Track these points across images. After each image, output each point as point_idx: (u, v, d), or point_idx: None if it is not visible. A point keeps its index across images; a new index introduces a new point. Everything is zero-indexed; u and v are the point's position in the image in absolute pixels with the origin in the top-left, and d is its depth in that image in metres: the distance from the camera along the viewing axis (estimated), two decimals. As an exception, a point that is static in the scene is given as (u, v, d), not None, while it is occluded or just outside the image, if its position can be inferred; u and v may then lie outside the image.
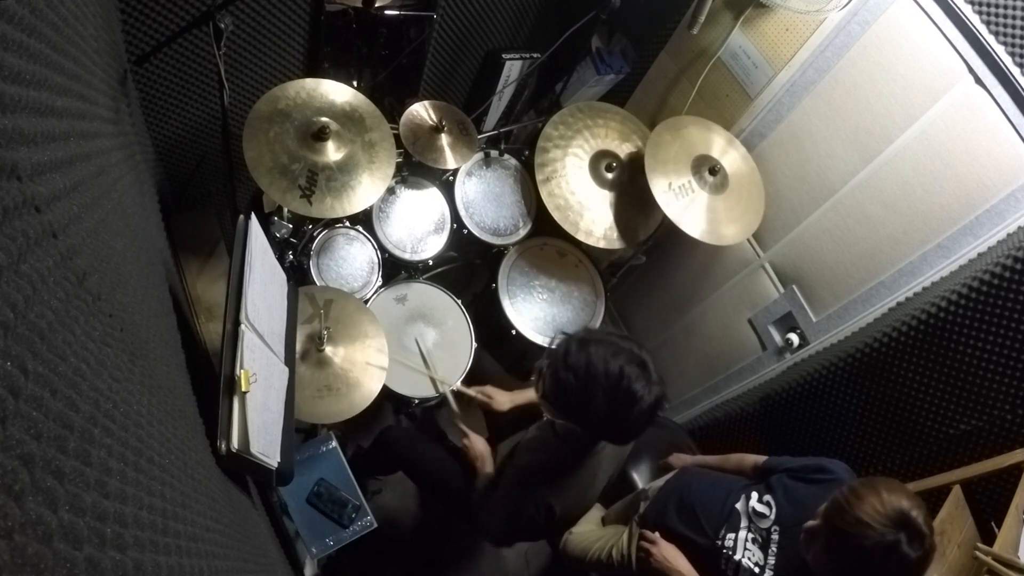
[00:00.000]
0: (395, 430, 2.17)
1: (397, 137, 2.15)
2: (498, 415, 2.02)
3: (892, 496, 1.27)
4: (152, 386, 0.84)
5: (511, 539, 2.02)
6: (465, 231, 2.42)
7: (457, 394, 2.13)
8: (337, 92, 1.98)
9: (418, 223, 2.38)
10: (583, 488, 1.72)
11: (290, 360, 1.60)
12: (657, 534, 1.69)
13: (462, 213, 2.42)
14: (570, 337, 1.53)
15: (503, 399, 2.02)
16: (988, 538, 1.59)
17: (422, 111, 2.30)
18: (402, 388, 2.13)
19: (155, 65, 1.87)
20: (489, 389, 2.05)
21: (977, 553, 1.49)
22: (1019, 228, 1.70)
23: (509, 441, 1.95)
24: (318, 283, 2.19)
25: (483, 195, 2.50)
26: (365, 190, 1.93)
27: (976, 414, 1.73)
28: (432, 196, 2.43)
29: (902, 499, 1.27)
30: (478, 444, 1.90)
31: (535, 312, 2.44)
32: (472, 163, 2.49)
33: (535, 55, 2.64)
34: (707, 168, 2.23)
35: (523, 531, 1.79)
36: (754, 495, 1.63)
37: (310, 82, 1.95)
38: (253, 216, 1.50)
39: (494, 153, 2.54)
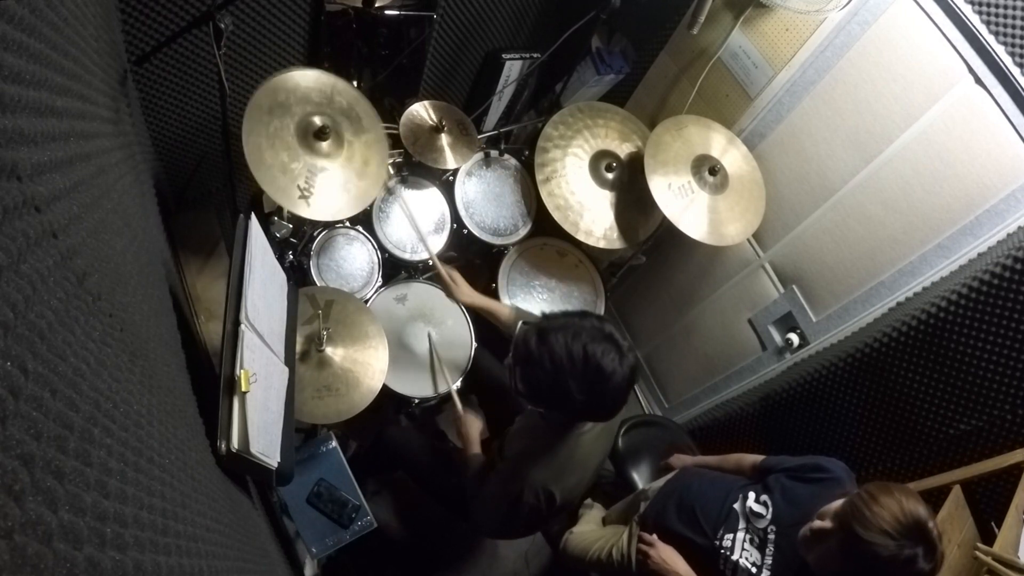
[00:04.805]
0: (395, 430, 2.17)
1: (397, 137, 2.15)
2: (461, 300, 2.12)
3: (910, 505, 1.26)
4: (152, 386, 0.84)
5: (512, 532, 2.01)
6: (465, 231, 2.42)
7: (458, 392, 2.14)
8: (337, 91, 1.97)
9: (418, 223, 2.38)
10: (580, 469, 1.70)
11: (290, 360, 1.60)
12: (655, 536, 1.69)
13: (462, 213, 2.42)
14: (527, 331, 1.51)
15: (466, 290, 2.10)
16: (988, 538, 1.59)
17: (422, 111, 2.30)
18: (402, 388, 2.13)
19: (155, 65, 1.87)
20: (456, 275, 2.13)
21: (977, 553, 1.49)
22: (1019, 228, 1.70)
23: (500, 438, 1.95)
24: (318, 283, 2.19)
25: (483, 195, 2.50)
26: (364, 190, 1.93)
27: (976, 414, 1.73)
28: (432, 196, 2.43)
29: (919, 508, 1.26)
30: (471, 421, 1.95)
31: (535, 312, 2.43)
32: (472, 163, 2.49)
33: (535, 55, 2.64)
34: (707, 168, 2.23)
35: (526, 521, 1.75)
36: (751, 495, 1.63)
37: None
38: (253, 216, 1.50)
39: (494, 153, 2.54)
